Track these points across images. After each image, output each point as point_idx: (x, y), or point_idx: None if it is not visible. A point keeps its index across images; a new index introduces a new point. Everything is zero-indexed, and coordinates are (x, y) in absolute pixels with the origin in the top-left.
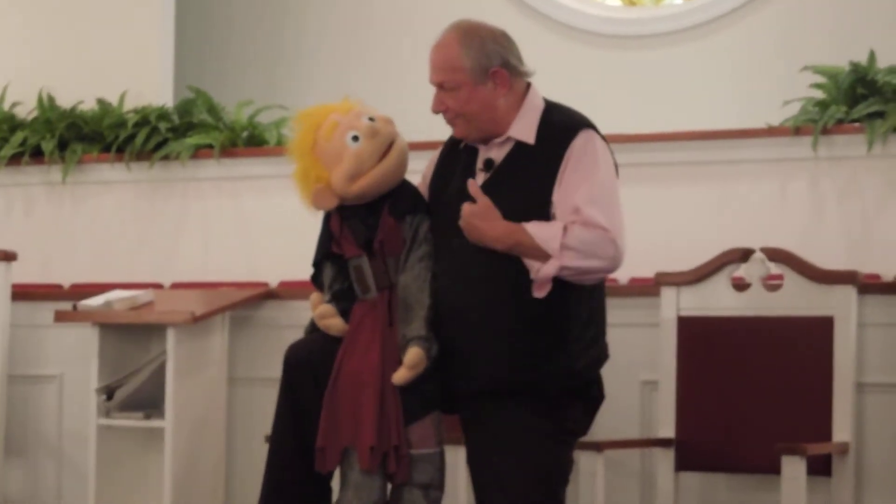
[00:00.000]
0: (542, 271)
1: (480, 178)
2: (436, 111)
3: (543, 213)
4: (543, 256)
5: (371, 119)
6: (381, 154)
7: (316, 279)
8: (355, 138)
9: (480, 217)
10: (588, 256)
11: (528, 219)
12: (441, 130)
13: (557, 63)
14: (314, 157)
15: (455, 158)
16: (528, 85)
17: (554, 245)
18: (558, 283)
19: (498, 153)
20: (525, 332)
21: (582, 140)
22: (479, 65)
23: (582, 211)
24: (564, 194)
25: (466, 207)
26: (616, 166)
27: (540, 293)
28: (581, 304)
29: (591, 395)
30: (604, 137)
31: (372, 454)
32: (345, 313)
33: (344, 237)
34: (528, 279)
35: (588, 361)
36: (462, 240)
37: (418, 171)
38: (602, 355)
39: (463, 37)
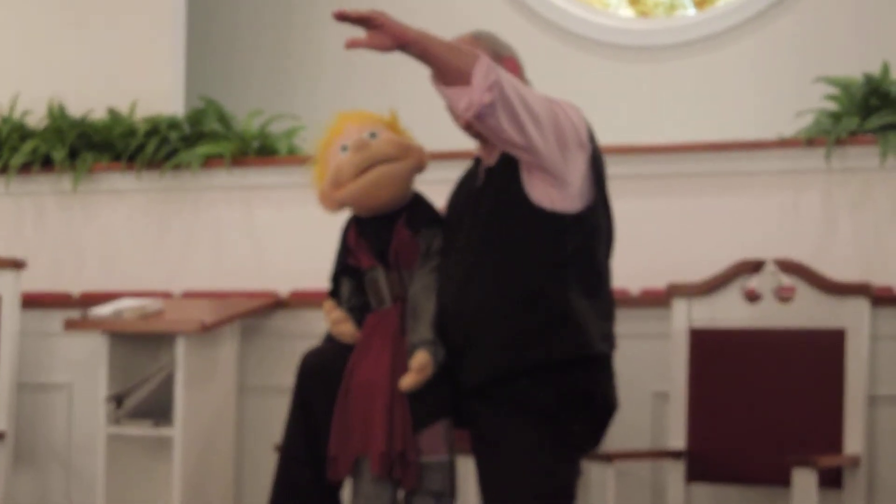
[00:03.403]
0: (480, 75)
1: (481, 178)
2: None
3: (530, 205)
4: (462, 66)
5: (372, 135)
6: (360, 171)
7: (334, 294)
8: (344, 148)
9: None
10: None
11: (515, 215)
12: (451, 139)
13: (570, 74)
14: (324, 159)
15: (465, 180)
16: None
17: (474, 54)
18: (555, 258)
19: (494, 159)
20: (523, 312)
21: None
22: (493, 51)
23: None
24: None
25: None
26: (595, 147)
27: (470, 110)
28: (580, 281)
29: (597, 407)
30: (592, 132)
31: (383, 460)
32: (361, 324)
33: (360, 248)
34: (521, 263)
35: (598, 333)
36: (462, 243)
37: (431, 181)
38: (611, 335)
39: (474, 33)
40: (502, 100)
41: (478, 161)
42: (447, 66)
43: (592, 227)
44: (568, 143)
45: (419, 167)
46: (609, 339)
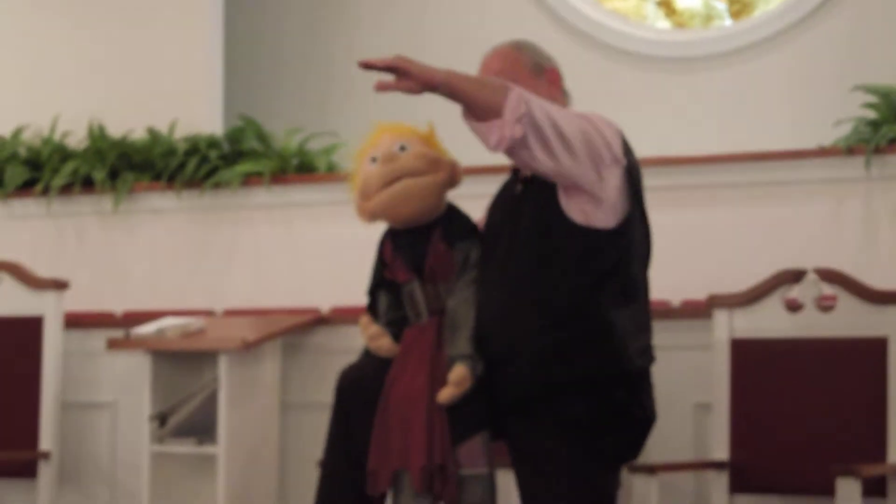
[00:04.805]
0: (509, 108)
1: (518, 189)
2: None
3: (567, 222)
4: (490, 101)
5: (402, 148)
6: (386, 183)
7: (372, 308)
8: (374, 160)
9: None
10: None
11: (553, 231)
12: (492, 154)
13: (607, 86)
14: (358, 170)
15: (503, 191)
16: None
17: (502, 87)
18: (592, 274)
19: (530, 171)
20: (561, 328)
21: None
22: (534, 63)
23: None
24: None
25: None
26: (631, 159)
27: (500, 145)
28: (617, 295)
29: (636, 419)
30: (628, 144)
31: (424, 474)
32: (398, 339)
33: (396, 262)
34: (558, 279)
35: (636, 348)
36: (502, 255)
37: (469, 195)
38: (649, 349)
39: (515, 42)
40: (533, 130)
41: (515, 172)
42: (477, 103)
43: (629, 241)
44: (601, 160)
45: (450, 182)
46: (647, 353)
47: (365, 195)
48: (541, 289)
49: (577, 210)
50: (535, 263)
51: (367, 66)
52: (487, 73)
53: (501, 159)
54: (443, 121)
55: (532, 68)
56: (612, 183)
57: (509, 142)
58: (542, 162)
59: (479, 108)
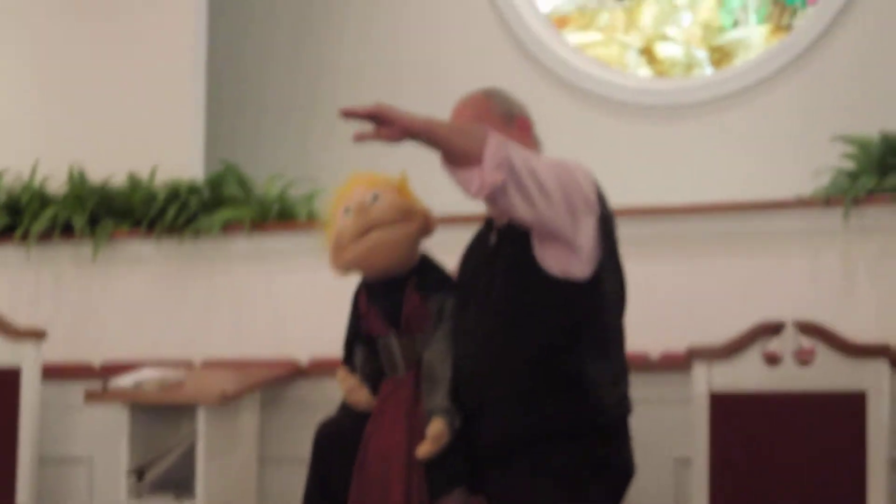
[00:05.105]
0: (489, 155)
1: (493, 239)
2: None
3: (541, 273)
4: (470, 148)
5: (375, 197)
6: (358, 235)
7: (348, 361)
8: (347, 211)
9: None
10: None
11: (527, 281)
12: (470, 204)
13: (586, 134)
14: (332, 221)
15: (477, 241)
16: None
17: (482, 133)
18: (566, 324)
19: (505, 220)
20: (535, 378)
21: None
22: (505, 111)
23: None
24: None
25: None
26: (605, 208)
27: (482, 191)
28: (591, 345)
29: (614, 471)
30: (602, 193)
31: None
32: (376, 391)
33: (372, 315)
34: (532, 329)
35: (611, 399)
36: (479, 304)
37: (443, 244)
38: (626, 399)
39: (486, 91)
40: (512, 177)
41: (489, 221)
42: (456, 150)
43: (603, 291)
44: (577, 208)
45: (424, 231)
46: (623, 404)
47: (338, 247)
48: (515, 340)
49: (552, 260)
50: (510, 315)
51: (349, 114)
52: (460, 115)
53: (476, 208)
54: (418, 168)
55: (503, 116)
56: (587, 231)
57: (490, 188)
58: (520, 209)
59: (458, 154)
